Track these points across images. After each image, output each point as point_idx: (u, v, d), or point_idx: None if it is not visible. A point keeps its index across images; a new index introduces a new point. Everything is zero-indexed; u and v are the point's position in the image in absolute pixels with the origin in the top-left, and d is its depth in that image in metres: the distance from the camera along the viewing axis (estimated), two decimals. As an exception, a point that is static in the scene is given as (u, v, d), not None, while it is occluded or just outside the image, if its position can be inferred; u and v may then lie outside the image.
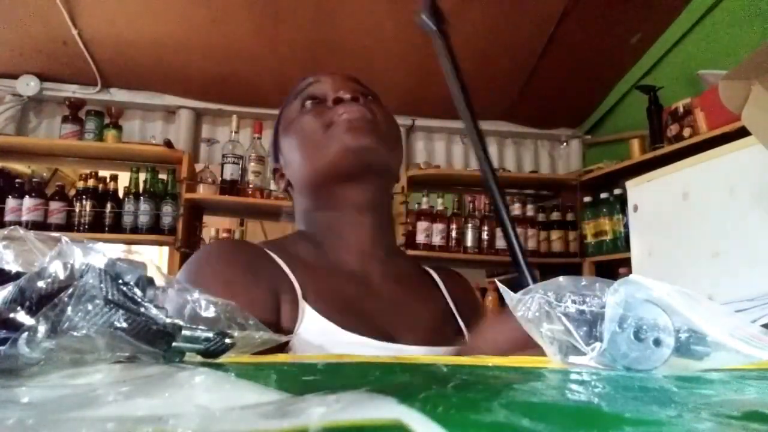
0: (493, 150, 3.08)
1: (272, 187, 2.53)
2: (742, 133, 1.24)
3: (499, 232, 2.65)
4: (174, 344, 0.26)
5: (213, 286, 0.57)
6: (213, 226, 2.69)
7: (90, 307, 0.23)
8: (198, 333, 0.27)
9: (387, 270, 0.71)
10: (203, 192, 2.45)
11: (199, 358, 0.28)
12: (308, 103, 0.72)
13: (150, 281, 0.26)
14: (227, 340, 0.28)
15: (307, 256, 0.69)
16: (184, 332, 0.26)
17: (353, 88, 0.72)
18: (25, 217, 2.31)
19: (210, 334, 0.27)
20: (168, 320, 0.25)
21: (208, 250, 0.68)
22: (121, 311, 0.24)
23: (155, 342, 0.25)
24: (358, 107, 0.69)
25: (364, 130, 0.67)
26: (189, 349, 0.27)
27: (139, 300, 0.25)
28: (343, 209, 0.70)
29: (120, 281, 0.25)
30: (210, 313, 0.28)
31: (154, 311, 0.25)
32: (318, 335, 0.59)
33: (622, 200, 2.33)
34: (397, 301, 0.69)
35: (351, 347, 0.58)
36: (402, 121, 2.85)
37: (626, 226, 2.21)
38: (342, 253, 0.70)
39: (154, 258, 2.71)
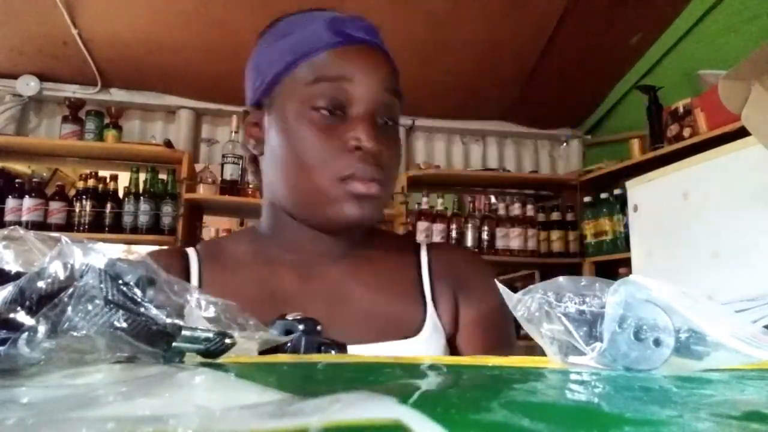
0: (493, 150, 3.09)
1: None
2: (742, 133, 1.24)
3: (499, 232, 2.65)
4: (174, 344, 0.26)
5: None
6: (213, 226, 2.69)
7: (90, 307, 0.23)
8: (198, 333, 0.27)
9: (342, 265, 0.67)
10: (203, 192, 2.45)
11: (199, 358, 0.28)
12: (324, 114, 0.61)
13: (150, 281, 0.26)
14: (227, 340, 0.28)
15: (238, 252, 0.68)
16: (184, 332, 0.26)
17: (379, 135, 0.61)
18: (25, 217, 2.31)
19: (210, 334, 0.27)
20: (168, 320, 0.25)
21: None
22: (121, 311, 0.24)
23: (155, 342, 0.25)
24: (374, 170, 0.61)
25: (372, 204, 0.62)
26: (189, 349, 0.27)
27: (139, 300, 0.25)
28: (309, 234, 0.66)
29: (120, 281, 0.25)
30: (210, 313, 0.28)
31: (154, 311, 0.25)
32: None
33: (622, 200, 2.33)
34: (337, 297, 0.64)
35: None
36: (402, 120, 2.84)
37: (626, 226, 2.21)
38: (284, 252, 0.67)
39: (154, 258, 2.71)
